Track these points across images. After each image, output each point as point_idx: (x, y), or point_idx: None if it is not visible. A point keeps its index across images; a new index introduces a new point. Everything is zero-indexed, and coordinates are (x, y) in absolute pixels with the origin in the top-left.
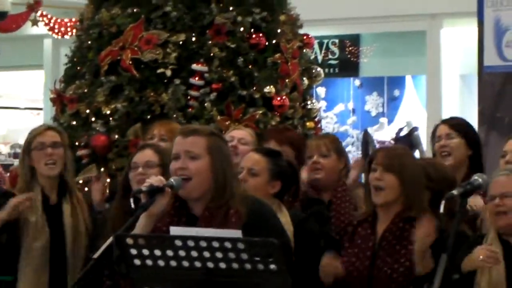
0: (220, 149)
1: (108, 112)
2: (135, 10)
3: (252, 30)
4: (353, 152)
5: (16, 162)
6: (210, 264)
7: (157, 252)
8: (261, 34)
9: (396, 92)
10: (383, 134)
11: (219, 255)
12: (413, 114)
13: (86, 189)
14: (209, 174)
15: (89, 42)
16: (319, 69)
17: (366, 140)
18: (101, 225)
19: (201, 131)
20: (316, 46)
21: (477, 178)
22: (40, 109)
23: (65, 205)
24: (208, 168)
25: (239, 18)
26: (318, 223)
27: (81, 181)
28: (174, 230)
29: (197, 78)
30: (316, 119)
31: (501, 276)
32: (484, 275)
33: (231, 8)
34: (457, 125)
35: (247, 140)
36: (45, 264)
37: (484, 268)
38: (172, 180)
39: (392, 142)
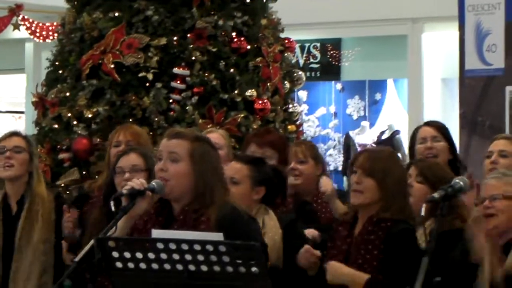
0: (204, 154)
1: (90, 115)
2: (116, 14)
3: (234, 34)
4: (335, 156)
5: None
6: (192, 267)
7: (139, 255)
8: (242, 38)
9: (378, 96)
10: (365, 137)
11: (200, 258)
12: (395, 117)
13: (68, 192)
14: (189, 178)
15: (71, 46)
16: (300, 72)
17: (348, 144)
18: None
19: (186, 135)
20: (297, 50)
21: (458, 181)
22: (22, 112)
23: (23, 213)
24: (188, 172)
25: (221, 22)
26: (308, 222)
27: (62, 185)
28: (156, 233)
29: (178, 82)
30: (297, 123)
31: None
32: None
33: (212, 12)
34: (442, 128)
35: (220, 144)
36: None
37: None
38: (153, 183)
39: (374, 145)
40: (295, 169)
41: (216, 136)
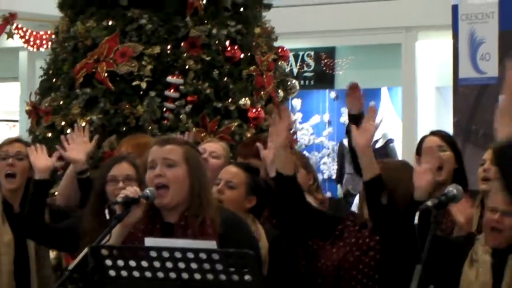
0: (196, 158)
1: (84, 124)
2: (110, 23)
3: (227, 42)
4: (329, 164)
5: None
6: (185, 275)
7: (132, 263)
8: (236, 47)
9: (372, 104)
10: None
11: (194, 266)
12: (389, 126)
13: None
14: (186, 183)
15: (64, 55)
16: (294, 81)
17: (342, 152)
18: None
19: (177, 140)
20: (291, 59)
21: (452, 189)
22: (16, 121)
23: None
24: (185, 176)
25: (214, 31)
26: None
27: (56, 193)
28: (149, 241)
29: (172, 91)
30: (291, 131)
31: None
32: (472, 270)
33: (206, 21)
34: (448, 137)
35: (219, 154)
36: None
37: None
38: (147, 191)
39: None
40: None
41: (216, 146)
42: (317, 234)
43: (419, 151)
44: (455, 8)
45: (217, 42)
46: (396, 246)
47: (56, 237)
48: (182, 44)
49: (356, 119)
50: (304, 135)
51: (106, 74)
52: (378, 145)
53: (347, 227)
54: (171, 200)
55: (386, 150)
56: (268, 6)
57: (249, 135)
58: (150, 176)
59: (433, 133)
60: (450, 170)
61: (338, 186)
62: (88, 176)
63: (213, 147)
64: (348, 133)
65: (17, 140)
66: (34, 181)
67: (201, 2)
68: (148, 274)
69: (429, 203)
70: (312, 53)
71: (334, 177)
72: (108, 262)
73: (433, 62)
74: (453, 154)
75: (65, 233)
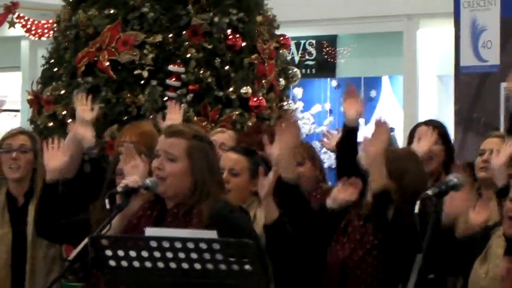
0: (202, 152)
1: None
2: (112, 11)
3: (229, 31)
4: (330, 153)
5: None
6: (185, 265)
7: (132, 253)
8: (237, 35)
9: (373, 93)
10: (360, 134)
11: (194, 256)
12: (390, 114)
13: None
14: (186, 177)
15: (66, 44)
16: (295, 69)
17: None
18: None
19: (185, 133)
20: (293, 47)
21: (452, 178)
22: (17, 110)
23: (31, 206)
24: (185, 171)
25: (216, 19)
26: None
27: None
28: (150, 231)
29: (174, 79)
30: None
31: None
32: (483, 267)
33: (208, 9)
34: (440, 127)
35: (228, 145)
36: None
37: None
38: (148, 181)
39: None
40: None
41: (225, 136)
42: (321, 236)
43: (411, 139)
44: None
45: (219, 30)
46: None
47: (70, 233)
48: (183, 32)
49: (352, 132)
50: (305, 124)
51: (107, 63)
52: None
53: (351, 221)
54: (166, 190)
55: None
56: None
57: (250, 123)
58: (153, 165)
59: (425, 122)
60: (440, 161)
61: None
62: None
63: (222, 138)
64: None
65: (21, 132)
66: (45, 184)
67: None
68: (148, 264)
69: (430, 192)
70: (314, 41)
71: (335, 166)
72: (108, 252)
73: (434, 50)
74: (443, 147)
75: (79, 227)
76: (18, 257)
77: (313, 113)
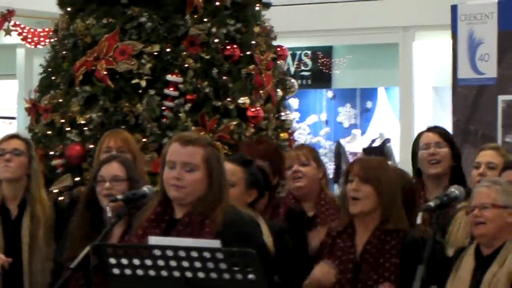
0: (216, 160)
1: (83, 122)
2: (110, 20)
3: (227, 41)
4: (326, 163)
5: None
6: (189, 274)
7: (136, 262)
8: (235, 46)
9: (369, 104)
10: (356, 145)
11: (197, 264)
12: (386, 125)
13: (60, 198)
14: (203, 184)
15: (64, 52)
16: (293, 80)
17: (339, 152)
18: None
19: (199, 141)
20: (288, 58)
21: (454, 190)
22: (13, 118)
23: (25, 218)
24: (203, 178)
25: (214, 30)
26: (296, 237)
27: (55, 191)
28: (153, 240)
29: (171, 89)
30: (289, 130)
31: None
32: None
33: (205, 20)
34: (446, 134)
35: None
36: None
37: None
38: (145, 188)
39: (362, 152)
40: (298, 172)
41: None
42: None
43: (415, 147)
44: (454, 9)
45: (216, 40)
46: None
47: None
48: (181, 42)
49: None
50: (301, 134)
51: (105, 72)
52: (375, 145)
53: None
54: (186, 197)
55: (383, 150)
56: (268, 5)
57: (248, 134)
58: (169, 176)
59: (430, 129)
60: (446, 166)
61: (335, 185)
62: None
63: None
64: None
65: (15, 136)
66: None
67: (200, 0)
68: (152, 272)
69: (432, 204)
70: (309, 52)
71: (331, 176)
72: (112, 261)
73: (430, 62)
74: (450, 151)
75: None
76: (14, 270)
77: (309, 124)
